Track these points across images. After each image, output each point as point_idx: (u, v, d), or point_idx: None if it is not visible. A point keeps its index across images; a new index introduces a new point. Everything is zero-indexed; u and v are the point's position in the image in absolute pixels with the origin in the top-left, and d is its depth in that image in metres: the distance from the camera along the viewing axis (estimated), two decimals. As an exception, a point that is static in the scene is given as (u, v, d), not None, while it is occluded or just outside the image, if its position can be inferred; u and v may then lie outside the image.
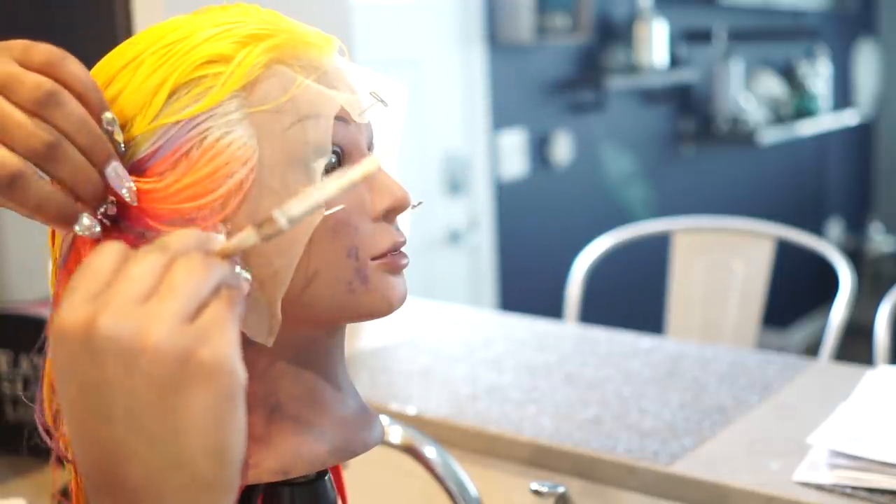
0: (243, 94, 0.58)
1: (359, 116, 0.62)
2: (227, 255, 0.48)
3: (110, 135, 0.55)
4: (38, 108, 0.52)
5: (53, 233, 0.62)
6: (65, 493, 0.63)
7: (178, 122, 0.57)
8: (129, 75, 0.58)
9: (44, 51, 0.54)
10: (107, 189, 0.55)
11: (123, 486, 0.44)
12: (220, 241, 0.48)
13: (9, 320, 1.33)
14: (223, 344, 0.44)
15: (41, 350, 0.61)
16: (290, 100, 0.58)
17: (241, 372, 0.44)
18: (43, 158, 0.53)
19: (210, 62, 0.58)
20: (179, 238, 0.46)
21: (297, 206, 0.48)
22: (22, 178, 0.52)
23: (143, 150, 0.57)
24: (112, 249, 0.46)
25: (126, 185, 0.55)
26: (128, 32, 1.39)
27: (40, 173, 0.54)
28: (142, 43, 0.59)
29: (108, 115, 0.55)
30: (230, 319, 0.45)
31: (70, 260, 0.59)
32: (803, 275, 4.07)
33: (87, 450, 0.44)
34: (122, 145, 0.56)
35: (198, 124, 0.57)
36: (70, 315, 0.43)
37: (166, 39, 0.59)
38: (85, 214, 0.55)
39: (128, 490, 0.44)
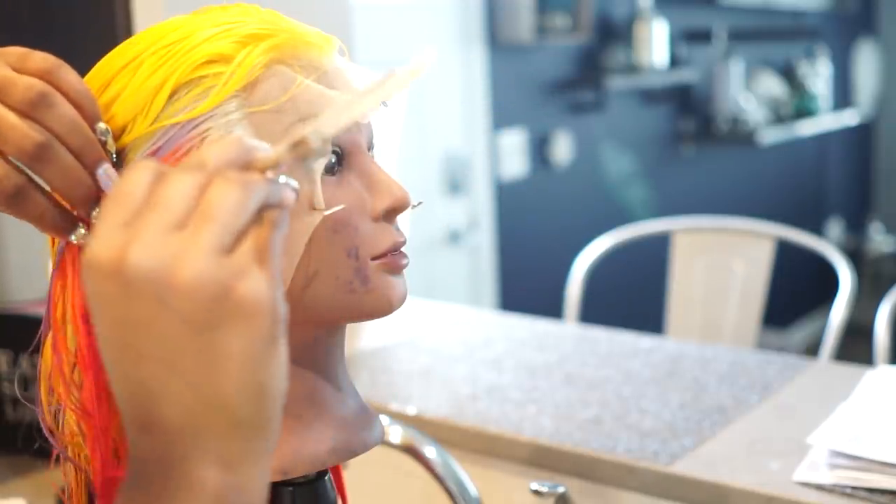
0: (243, 95, 0.58)
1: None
2: (267, 169, 0.44)
3: (103, 145, 0.56)
4: (30, 109, 0.53)
5: (53, 235, 0.62)
6: (65, 493, 0.63)
7: (178, 123, 0.57)
8: (129, 75, 0.58)
9: (40, 59, 0.54)
10: (98, 192, 0.55)
11: (159, 425, 0.42)
12: (260, 150, 0.44)
13: (9, 320, 1.33)
14: (262, 279, 0.41)
15: (37, 350, 0.61)
16: (290, 100, 0.58)
17: (280, 309, 0.42)
18: (34, 159, 0.53)
19: (210, 62, 0.58)
20: (217, 153, 0.43)
21: (329, 124, 0.44)
22: (24, 192, 0.54)
23: (144, 151, 0.57)
24: (145, 170, 0.42)
25: None
26: (128, 32, 1.39)
27: (41, 182, 0.55)
28: (142, 43, 0.59)
29: (101, 125, 0.56)
30: (271, 250, 0.42)
31: (62, 263, 0.59)
32: (803, 275, 4.07)
33: (122, 387, 0.42)
34: (115, 156, 0.57)
35: (198, 124, 0.57)
36: (100, 245, 0.41)
37: (166, 39, 0.59)
38: (81, 225, 0.56)
39: (164, 428, 0.42)
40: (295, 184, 0.44)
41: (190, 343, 0.41)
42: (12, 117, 0.52)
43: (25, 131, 0.52)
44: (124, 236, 0.41)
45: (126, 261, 0.40)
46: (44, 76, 0.54)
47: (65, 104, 0.54)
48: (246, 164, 0.44)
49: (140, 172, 0.42)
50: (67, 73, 0.55)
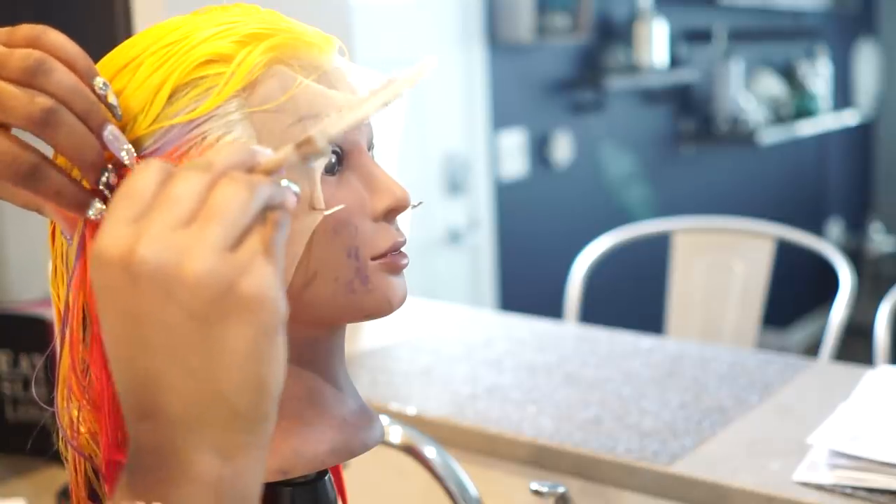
0: (243, 95, 0.58)
1: (359, 116, 0.62)
2: (271, 172, 0.46)
3: (104, 98, 0.55)
4: (30, 78, 0.52)
5: (53, 233, 0.62)
6: (65, 493, 0.64)
7: (179, 123, 0.57)
8: (128, 75, 0.58)
9: (26, 28, 0.55)
10: (106, 155, 0.55)
11: (160, 414, 0.43)
12: (265, 154, 0.46)
13: (9, 320, 1.33)
14: (265, 275, 0.43)
15: (42, 350, 0.61)
16: (289, 100, 0.58)
17: (282, 305, 0.43)
18: (41, 125, 0.52)
19: (210, 62, 0.58)
20: (224, 155, 0.45)
21: (335, 125, 0.46)
22: (41, 169, 0.53)
23: (143, 150, 0.57)
24: (153, 168, 0.44)
25: (125, 147, 0.55)
26: (128, 32, 1.39)
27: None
28: (142, 43, 0.59)
29: (98, 79, 0.55)
30: (274, 247, 0.44)
31: (84, 250, 0.59)
32: (803, 275, 4.07)
33: (125, 377, 0.44)
34: (118, 108, 0.56)
35: (198, 125, 0.57)
36: (109, 240, 0.42)
37: (166, 39, 0.59)
38: (97, 199, 0.56)
39: (164, 418, 0.43)
40: (296, 188, 0.46)
41: (194, 335, 0.42)
42: (12, 88, 0.52)
43: (30, 98, 0.52)
44: (133, 231, 0.42)
45: (134, 254, 0.42)
46: (33, 42, 0.54)
47: (62, 68, 0.53)
48: (251, 167, 0.45)
49: (148, 171, 0.44)
50: (55, 36, 0.55)
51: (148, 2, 1.40)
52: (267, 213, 0.44)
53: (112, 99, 0.56)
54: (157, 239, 0.42)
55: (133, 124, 0.57)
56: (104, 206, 0.55)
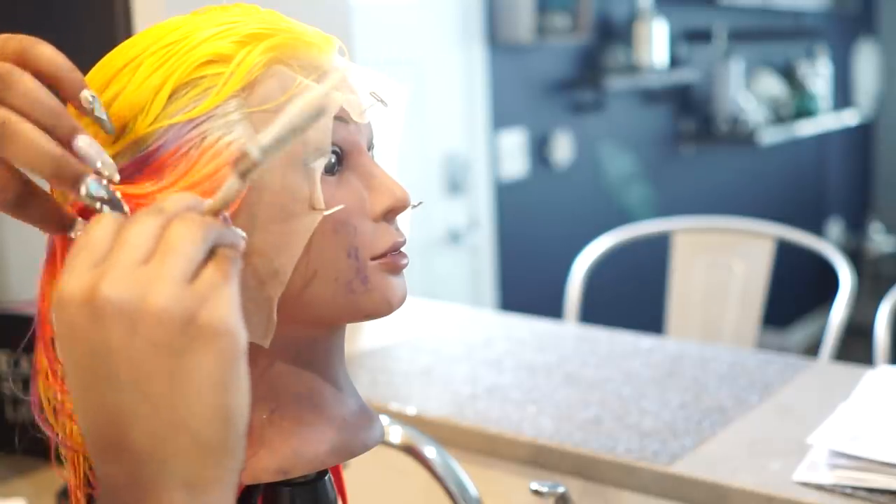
0: (242, 95, 0.58)
1: (359, 116, 0.62)
2: (217, 212, 0.48)
3: (90, 112, 0.55)
4: None
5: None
6: (65, 493, 0.63)
7: (178, 123, 0.57)
8: (128, 76, 0.58)
9: (16, 41, 0.54)
10: (80, 164, 0.53)
11: (128, 450, 0.44)
12: (208, 202, 0.48)
13: (9, 320, 1.33)
14: (223, 305, 0.44)
15: (31, 347, 0.61)
16: (289, 100, 0.58)
17: (242, 333, 0.44)
18: None
19: (210, 62, 0.58)
20: (173, 200, 0.47)
21: (267, 135, 0.47)
22: (24, 197, 0.54)
23: (143, 150, 0.57)
24: (108, 219, 0.46)
25: (101, 159, 0.53)
26: (128, 32, 1.39)
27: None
28: (141, 43, 0.59)
29: (85, 92, 0.55)
30: (228, 279, 0.45)
31: (52, 257, 0.60)
32: (803, 275, 4.07)
33: (91, 415, 0.44)
34: (108, 122, 0.56)
35: (197, 125, 0.57)
36: (71, 283, 0.44)
37: (166, 40, 0.58)
38: (80, 221, 0.55)
39: (132, 454, 0.44)
40: (243, 234, 0.49)
41: (159, 367, 0.43)
42: None
43: None
44: (94, 274, 0.44)
45: (97, 293, 0.43)
46: (19, 55, 0.54)
47: (27, 81, 0.52)
48: (198, 210, 0.47)
49: (102, 222, 0.46)
50: (41, 48, 0.54)
51: (148, 2, 1.40)
52: (219, 249, 0.46)
53: (100, 112, 0.55)
54: (118, 277, 0.43)
55: (133, 124, 0.57)
56: (99, 188, 0.53)
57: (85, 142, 0.53)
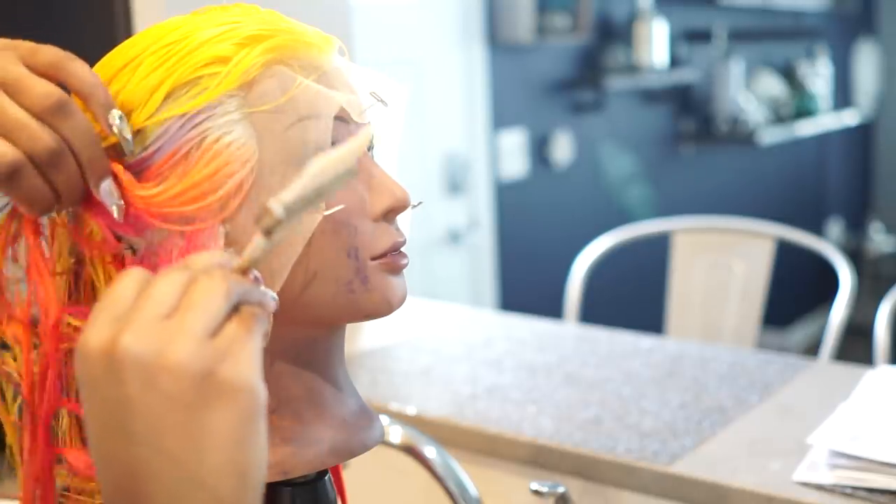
0: (242, 95, 0.58)
1: (359, 116, 0.62)
2: (245, 270, 0.47)
3: (119, 132, 0.55)
4: (48, 116, 0.53)
5: (53, 233, 0.62)
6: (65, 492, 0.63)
7: (176, 121, 0.57)
8: (128, 75, 0.58)
9: (50, 53, 0.54)
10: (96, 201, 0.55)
11: (144, 503, 0.44)
12: (237, 260, 0.48)
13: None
14: (244, 362, 0.44)
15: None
16: (289, 100, 0.58)
17: (262, 391, 0.44)
18: (43, 163, 0.53)
19: (209, 64, 0.58)
20: (201, 258, 0.47)
21: (291, 192, 0.47)
22: (20, 172, 0.53)
23: (142, 151, 0.57)
24: (134, 273, 0.46)
25: (116, 203, 0.55)
26: (128, 32, 1.39)
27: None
28: (141, 43, 0.59)
29: (114, 112, 0.55)
30: (251, 336, 0.45)
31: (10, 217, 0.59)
32: (803, 275, 4.07)
33: (109, 468, 0.44)
34: (132, 142, 0.56)
35: (197, 125, 0.57)
36: (93, 336, 0.44)
37: (166, 40, 0.58)
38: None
39: None
40: (275, 295, 0.49)
41: (176, 421, 0.43)
42: (25, 117, 0.52)
43: (40, 134, 0.52)
44: (116, 326, 0.44)
45: (117, 345, 0.43)
46: (54, 70, 0.54)
47: (80, 114, 0.53)
48: (226, 267, 0.47)
49: (129, 276, 0.46)
50: (77, 66, 0.55)
51: (148, 2, 1.40)
52: (244, 307, 0.46)
53: (127, 133, 0.56)
54: (138, 330, 0.43)
55: (130, 119, 0.57)
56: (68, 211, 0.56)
57: (109, 185, 0.55)
